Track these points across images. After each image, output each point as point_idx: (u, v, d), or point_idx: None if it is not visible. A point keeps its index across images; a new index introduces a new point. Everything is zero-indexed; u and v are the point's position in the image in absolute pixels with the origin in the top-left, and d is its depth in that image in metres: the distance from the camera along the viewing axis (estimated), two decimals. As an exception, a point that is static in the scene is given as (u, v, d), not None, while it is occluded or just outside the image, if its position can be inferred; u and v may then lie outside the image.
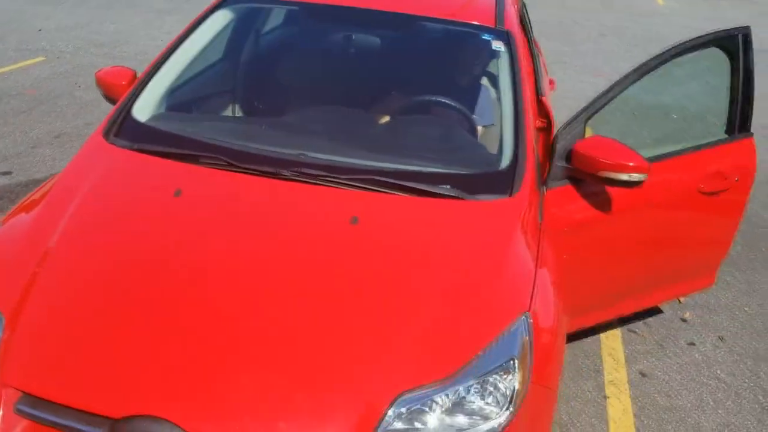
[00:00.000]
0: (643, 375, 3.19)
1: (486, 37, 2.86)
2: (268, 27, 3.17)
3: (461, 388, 1.78)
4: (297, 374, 1.72)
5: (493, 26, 2.89)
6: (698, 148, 2.99)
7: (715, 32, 2.99)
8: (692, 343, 3.45)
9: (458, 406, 1.77)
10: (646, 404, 3.01)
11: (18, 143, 5.12)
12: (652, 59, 2.82)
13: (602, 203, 2.69)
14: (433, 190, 2.25)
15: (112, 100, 2.78)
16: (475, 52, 2.88)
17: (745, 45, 3.01)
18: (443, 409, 1.76)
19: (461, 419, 1.77)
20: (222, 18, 2.96)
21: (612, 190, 2.68)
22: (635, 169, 2.46)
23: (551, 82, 4.40)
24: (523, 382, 1.85)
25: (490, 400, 1.80)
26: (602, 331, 3.46)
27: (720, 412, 3.01)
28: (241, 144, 2.38)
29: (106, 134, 2.47)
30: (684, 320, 3.63)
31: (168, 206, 2.14)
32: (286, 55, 3.16)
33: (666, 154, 2.93)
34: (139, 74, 2.80)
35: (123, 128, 2.49)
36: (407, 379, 1.75)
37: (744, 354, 3.40)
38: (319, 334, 1.80)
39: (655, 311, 3.66)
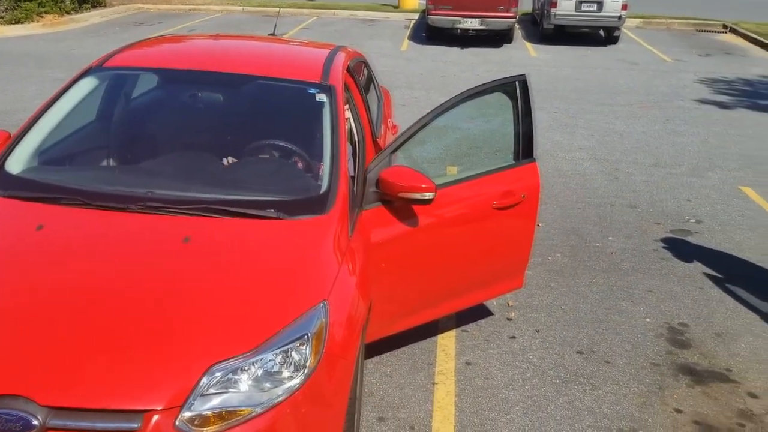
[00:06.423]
0: (468, 364, 3.81)
1: (312, 90, 3.49)
2: (127, 90, 3.72)
3: (265, 357, 2.31)
4: (129, 356, 2.21)
5: (318, 81, 3.54)
6: (492, 171, 3.70)
7: (499, 80, 3.75)
8: (513, 337, 4.11)
9: (264, 372, 2.30)
10: (466, 386, 3.62)
11: None
12: (445, 103, 3.52)
13: (411, 220, 3.31)
14: (256, 213, 2.82)
15: (-10, 160, 3.23)
16: (304, 102, 3.50)
17: (523, 89, 3.78)
18: (251, 376, 2.28)
19: (266, 383, 2.29)
20: (86, 84, 3.48)
21: (419, 208, 3.31)
22: (425, 190, 3.11)
23: (394, 127, 5.10)
24: (317, 353, 2.40)
25: (288, 365, 2.34)
26: (439, 333, 4.07)
27: (526, 387, 3.64)
28: (96, 185, 2.89)
29: (-18, 186, 2.93)
30: (509, 319, 4.30)
31: (31, 237, 2.62)
32: (145, 112, 3.72)
33: (466, 177, 3.62)
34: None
35: (-4, 180, 2.95)
36: (218, 353, 2.27)
37: (554, 342, 4.08)
38: (147, 323, 2.31)
39: (486, 314, 4.32)
